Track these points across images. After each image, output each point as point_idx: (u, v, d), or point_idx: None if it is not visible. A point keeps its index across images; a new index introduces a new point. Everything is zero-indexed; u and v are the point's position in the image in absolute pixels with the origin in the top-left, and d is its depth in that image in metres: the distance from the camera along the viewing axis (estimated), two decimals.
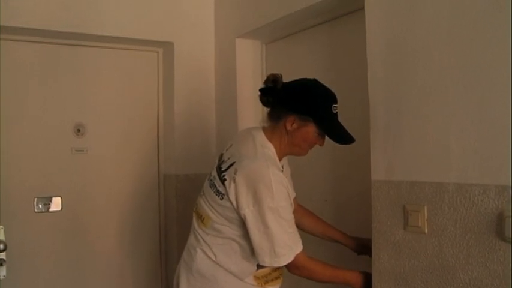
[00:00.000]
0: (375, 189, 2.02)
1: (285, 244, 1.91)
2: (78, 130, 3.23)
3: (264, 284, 2.07)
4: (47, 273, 3.11)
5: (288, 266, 1.98)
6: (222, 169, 2.00)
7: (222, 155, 2.11)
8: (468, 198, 1.68)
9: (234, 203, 1.91)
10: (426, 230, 1.83)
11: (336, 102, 2.02)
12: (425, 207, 1.82)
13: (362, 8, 2.13)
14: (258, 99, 2.88)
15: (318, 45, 2.77)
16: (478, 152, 1.65)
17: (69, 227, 3.19)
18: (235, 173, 1.91)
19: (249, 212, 1.89)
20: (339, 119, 2.04)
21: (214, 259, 2.02)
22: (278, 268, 2.08)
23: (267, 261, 1.92)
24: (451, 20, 1.75)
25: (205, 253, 2.04)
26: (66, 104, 3.20)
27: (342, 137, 2.00)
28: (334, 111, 2.00)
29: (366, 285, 2.05)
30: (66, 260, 3.17)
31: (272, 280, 2.11)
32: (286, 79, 2.81)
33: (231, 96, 3.19)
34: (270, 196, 1.87)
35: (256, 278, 2.06)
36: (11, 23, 2.80)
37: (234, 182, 1.90)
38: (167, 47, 3.40)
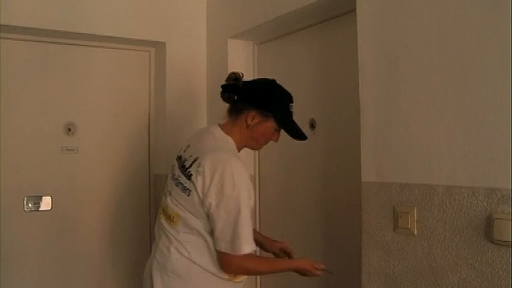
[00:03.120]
0: (365, 190, 2.03)
1: (243, 235, 1.95)
2: (69, 129, 3.22)
3: (234, 277, 2.11)
4: (36, 272, 3.10)
5: (224, 263, 2.02)
6: (186, 166, 2.07)
7: (180, 156, 2.19)
8: (457, 201, 1.70)
9: (201, 194, 1.97)
10: (416, 232, 1.84)
11: (292, 101, 2.16)
12: (415, 209, 1.84)
13: (354, 10, 2.14)
14: None
15: (309, 47, 2.78)
16: (467, 154, 1.67)
17: (59, 226, 3.18)
18: (199, 166, 1.98)
19: (212, 201, 1.95)
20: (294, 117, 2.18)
21: (188, 256, 2.05)
22: None
23: (223, 246, 1.97)
24: (441, 24, 1.76)
25: (179, 251, 2.06)
26: (57, 103, 3.18)
27: (297, 133, 2.15)
28: (291, 110, 2.16)
29: (309, 266, 2.14)
30: (56, 259, 3.16)
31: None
32: (278, 80, 2.83)
33: None
34: (231, 185, 1.94)
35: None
36: (2, 21, 2.79)
37: (199, 174, 1.97)
38: (159, 46, 3.40)
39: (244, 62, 3.21)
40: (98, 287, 3.29)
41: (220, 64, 3.24)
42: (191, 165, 2.04)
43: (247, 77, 3.12)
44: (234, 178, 1.95)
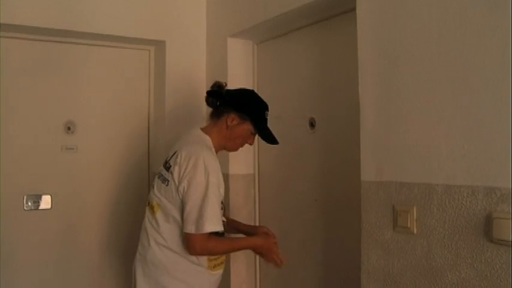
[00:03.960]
0: (364, 189, 2.04)
1: (207, 215, 2.13)
2: (69, 128, 3.22)
3: (212, 268, 2.31)
4: (36, 271, 3.10)
5: (189, 244, 2.18)
6: (167, 160, 2.33)
7: (166, 161, 2.37)
8: (457, 200, 1.70)
9: (177, 182, 2.19)
10: (415, 231, 1.84)
11: (268, 110, 2.42)
12: (414, 208, 1.84)
13: (353, 9, 2.14)
14: None
15: (309, 46, 2.78)
16: (466, 153, 1.67)
17: (59, 225, 3.18)
18: (177, 158, 2.22)
19: (184, 186, 2.16)
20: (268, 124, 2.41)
21: (165, 244, 2.25)
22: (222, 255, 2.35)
23: (189, 228, 2.15)
24: (441, 24, 1.76)
25: (157, 241, 2.27)
26: (57, 101, 3.18)
27: (270, 138, 2.40)
28: (266, 117, 2.41)
29: (266, 246, 2.36)
30: (56, 257, 3.16)
31: (219, 264, 2.35)
32: (277, 78, 2.84)
33: None
34: (201, 172, 2.15)
35: (209, 260, 2.28)
36: (2, 20, 2.79)
37: (176, 164, 2.20)
38: (159, 45, 3.40)
39: (244, 61, 3.21)
40: (97, 285, 3.30)
41: (219, 63, 3.24)
42: (171, 157, 2.29)
43: (247, 76, 3.18)
44: (205, 166, 2.16)
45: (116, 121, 3.37)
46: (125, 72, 3.41)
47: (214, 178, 2.19)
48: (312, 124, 2.72)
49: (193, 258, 2.25)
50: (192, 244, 2.18)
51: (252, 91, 2.50)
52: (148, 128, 3.49)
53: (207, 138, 2.35)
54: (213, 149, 2.33)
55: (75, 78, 3.24)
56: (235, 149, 2.50)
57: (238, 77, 3.18)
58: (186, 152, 2.21)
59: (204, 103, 3.36)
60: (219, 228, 2.19)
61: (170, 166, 2.26)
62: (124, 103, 3.40)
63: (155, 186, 2.35)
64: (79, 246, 3.23)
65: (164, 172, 2.30)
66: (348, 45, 2.31)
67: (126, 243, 3.31)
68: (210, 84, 3.32)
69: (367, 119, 2.04)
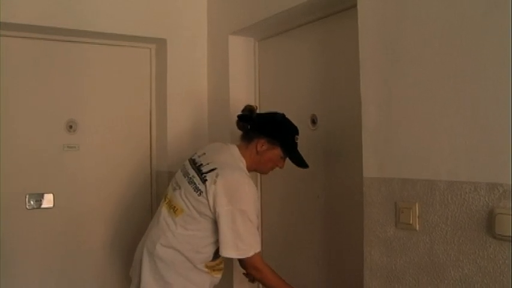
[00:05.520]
0: (366, 186, 2.03)
1: (248, 242, 2.26)
2: (70, 126, 3.22)
3: (212, 271, 2.42)
4: (38, 269, 3.11)
5: (246, 265, 2.35)
6: (203, 171, 2.33)
7: (194, 160, 2.46)
8: (459, 196, 1.69)
9: (211, 200, 2.24)
10: (417, 227, 1.84)
11: (298, 134, 2.45)
12: (417, 204, 1.84)
13: (355, 6, 2.13)
14: (250, 96, 2.94)
15: (310, 43, 2.78)
16: (468, 149, 1.66)
17: (61, 224, 3.18)
18: (216, 177, 2.25)
19: (222, 210, 2.23)
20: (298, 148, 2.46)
21: (176, 246, 2.33)
22: (222, 262, 2.47)
23: (230, 253, 2.27)
24: (443, 19, 1.76)
25: (169, 242, 2.34)
26: (58, 100, 3.18)
27: (300, 162, 2.44)
28: (296, 141, 2.44)
29: None
30: (58, 256, 3.17)
31: (218, 270, 2.47)
32: (279, 76, 2.84)
33: (224, 92, 3.19)
34: (243, 201, 2.26)
35: (207, 266, 2.39)
36: (2, 19, 2.79)
37: (215, 184, 2.24)
38: (160, 43, 3.39)
39: (245, 58, 3.21)
40: (100, 284, 3.30)
41: (221, 61, 3.24)
42: (208, 172, 2.30)
43: (248, 74, 3.18)
44: (247, 196, 2.27)
45: (118, 119, 3.37)
46: (126, 70, 3.41)
47: (254, 207, 2.29)
48: (314, 121, 2.72)
49: (199, 265, 2.36)
50: (254, 265, 2.32)
51: (283, 115, 2.47)
52: (150, 126, 3.49)
53: (243, 161, 2.40)
54: (248, 173, 2.39)
55: (76, 77, 3.24)
56: (266, 173, 2.57)
57: (239, 75, 3.18)
58: (228, 177, 2.27)
59: (206, 100, 3.41)
60: (259, 247, 2.33)
61: (206, 180, 2.27)
62: (126, 101, 3.40)
63: (183, 190, 2.37)
64: (82, 244, 3.24)
65: (198, 181, 2.32)
66: (349, 42, 2.30)
67: (130, 241, 3.31)
68: (212, 82, 3.38)
69: (368, 116, 2.03)
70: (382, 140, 1.97)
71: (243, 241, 2.25)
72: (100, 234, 3.31)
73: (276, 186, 3.04)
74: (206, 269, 2.39)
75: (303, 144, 2.48)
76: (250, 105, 2.51)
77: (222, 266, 2.50)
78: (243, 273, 2.65)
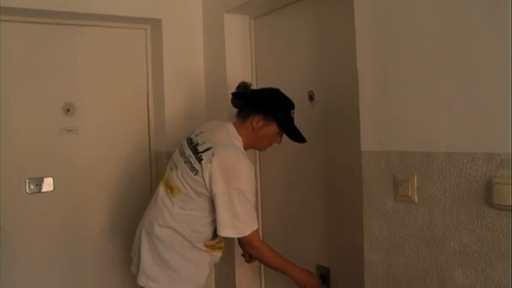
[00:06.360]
0: (365, 160, 2.04)
1: (244, 220, 2.28)
2: (68, 110, 3.22)
3: (212, 250, 2.45)
4: (40, 253, 3.13)
5: (244, 243, 2.38)
6: (199, 150, 2.33)
7: (191, 138, 2.45)
8: (457, 167, 1.70)
9: (207, 179, 2.25)
10: (416, 199, 1.85)
11: (294, 108, 2.42)
12: (415, 177, 1.84)
13: None
14: (247, 74, 2.93)
15: (306, 19, 2.76)
16: (466, 120, 1.66)
17: (62, 207, 3.20)
18: (212, 156, 2.25)
19: (219, 190, 2.23)
20: (295, 122, 2.44)
21: (173, 226, 2.34)
22: (221, 241, 2.49)
23: (227, 232, 2.28)
24: None
25: (166, 222, 2.36)
26: (54, 83, 3.18)
27: (297, 137, 2.42)
28: (292, 116, 2.42)
29: (310, 284, 2.42)
30: (60, 238, 3.19)
31: (218, 248, 2.50)
32: (275, 52, 2.83)
33: (220, 71, 3.19)
34: (239, 179, 2.25)
35: (206, 245, 2.42)
36: None
37: (211, 162, 2.24)
38: (155, 24, 3.38)
39: (241, 37, 3.20)
40: (101, 266, 3.33)
41: (216, 39, 3.23)
42: (204, 151, 2.30)
43: (244, 51, 3.17)
44: (242, 174, 2.25)
45: (115, 101, 3.37)
46: (122, 52, 3.40)
47: (250, 185, 2.29)
48: (311, 97, 2.72)
49: (198, 244, 2.38)
50: (251, 243, 2.34)
51: (277, 90, 2.46)
52: (148, 106, 3.49)
53: (240, 138, 2.40)
54: (244, 150, 2.38)
55: (73, 60, 3.23)
56: (264, 149, 2.55)
57: (236, 53, 3.17)
58: (223, 156, 2.26)
59: (203, 80, 3.40)
60: (256, 225, 2.34)
61: (202, 159, 2.27)
62: (122, 83, 3.39)
63: (179, 170, 2.37)
64: (83, 226, 3.26)
65: (194, 160, 2.31)
66: (345, 17, 2.29)
67: (130, 222, 3.33)
68: (208, 61, 3.37)
69: (366, 90, 2.03)
70: (380, 114, 1.97)
71: (240, 220, 2.26)
72: (101, 216, 3.33)
73: (274, 163, 3.05)
74: (205, 248, 2.41)
75: (300, 120, 2.48)
76: (245, 82, 2.50)
77: (222, 244, 2.52)
78: (241, 254, 2.68)
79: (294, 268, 2.42)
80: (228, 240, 2.62)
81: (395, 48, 1.91)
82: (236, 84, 2.53)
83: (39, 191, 3.14)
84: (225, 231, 2.28)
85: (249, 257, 2.66)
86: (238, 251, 2.85)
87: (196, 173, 2.28)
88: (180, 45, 3.35)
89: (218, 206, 2.25)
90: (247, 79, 3.08)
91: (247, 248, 2.42)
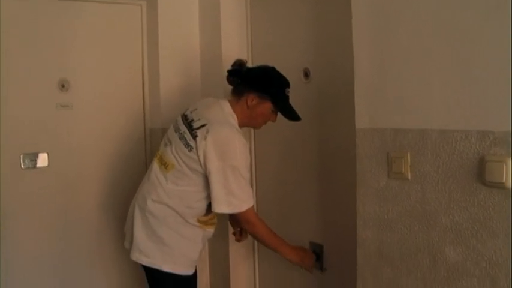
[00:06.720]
0: (359, 137, 2.04)
1: (239, 197, 2.29)
2: (63, 85, 3.21)
3: (205, 225, 2.46)
4: (35, 228, 3.14)
5: (240, 219, 2.40)
6: (194, 127, 2.32)
7: (186, 115, 2.44)
8: (450, 144, 1.70)
9: (201, 156, 2.24)
10: (409, 177, 1.85)
11: (289, 87, 2.42)
12: (409, 154, 1.85)
13: None
14: (243, 51, 2.92)
15: None
16: (459, 97, 1.66)
17: (56, 182, 3.21)
18: (207, 133, 2.25)
19: (213, 167, 2.24)
20: (290, 101, 2.44)
21: (167, 202, 2.35)
22: (214, 217, 2.51)
23: (222, 208, 2.30)
24: None
25: (160, 197, 2.37)
26: (49, 59, 3.16)
27: (292, 115, 2.42)
28: (287, 94, 2.42)
29: (303, 262, 2.49)
30: (55, 213, 3.20)
31: (211, 224, 2.51)
32: (271, 30, 2.81)
33: (216, 48, 3.17)
34: (234, 156, 2.25)
35: (200, 221, 2.43)
36: None
37: (205, 139, 2.24)
38: (150, 0, 3.35)
39: (237, 14, 3.17)
40: (96, 242, 3.35)
41: (212, 16, 3.20)
42: (199, 128, 2.30)
43: (240, 29, 3.15)
44: (237, 151, 2.25)
45: (110, 77, 3.35)
46: (117, 28, 3.38)
47: (245, 162, 2.30)
48: (306, 74, 2.71)
49: (191, 219, 2.39)
50: (247, 219, 2.37)
51: (272, 69, 2.45)
52: (143, 82, 3.47)
53: (234, 116, 2.39)
54: (238, 128, 2.39)
55: (67, 36, 3.21)
56: (259, 127, 2.56)
57: (231, 30, 3.15)
58: (218, 133, 2.26)
59: (198, 57, 3.38)
60: (252, 202, 2.36)
61: (197, 136, 2.27)
62: (117, 59, 3.38)
63: (174, 146, 2.37)
64: (78, 201, 3.27)
65: (188, 137, 2.31)
66: None
67: (124, 198, 3.33)
68: (204, 38, 3.35)
69: (361, 67, 2.02)
70: (374, 91, 1.97)
71: (235, 197, 2.27)
72: (95, 191, 3.34)
73: (269, 141, 3.05)
74: (198, 224, 2.42)
75: (296, 97, 2.47)
76: (240, 60, 2.49)
77: (215, 220, 2.53)
78: (232, 233, 2.70)
79: (288, 247, 2.44)
80: (221, 217, 2.63)
81: (392, 25, 1.90)
82: (232, 62, 2.52)
83: (34, 167, 3.14)
84: (220, 208, 2.29)
85: (239, 235, 2.69)
86: (230, 229, 2.87)
87: (190, 150, 2.28)
88: (176, 21, 3.33)
89: (213, 183, 2.26)
90: (243, 56, 3.06)
91: (243, 224, 2.44)
